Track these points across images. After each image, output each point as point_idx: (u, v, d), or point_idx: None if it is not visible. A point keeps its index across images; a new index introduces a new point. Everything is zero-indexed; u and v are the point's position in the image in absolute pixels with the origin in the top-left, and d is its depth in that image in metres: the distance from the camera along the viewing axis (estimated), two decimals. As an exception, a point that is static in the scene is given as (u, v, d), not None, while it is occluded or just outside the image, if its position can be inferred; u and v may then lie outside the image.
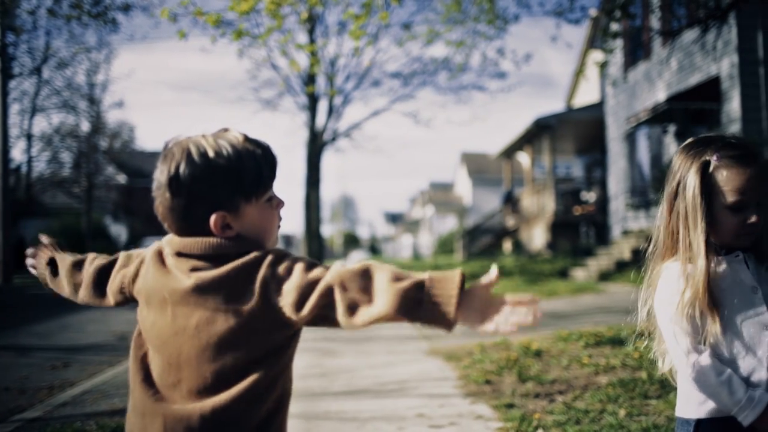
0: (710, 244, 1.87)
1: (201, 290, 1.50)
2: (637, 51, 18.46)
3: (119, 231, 40.91)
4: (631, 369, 5.41)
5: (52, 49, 25.13)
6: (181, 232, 1.55)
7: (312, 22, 17.86)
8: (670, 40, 15.29)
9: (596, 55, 20.92)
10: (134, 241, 36.68)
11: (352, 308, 1.41)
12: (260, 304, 1.46)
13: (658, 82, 17.05)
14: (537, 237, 24.83)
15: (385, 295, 1.40)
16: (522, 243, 26.70)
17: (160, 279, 1.57)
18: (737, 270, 1.89)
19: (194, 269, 1.52)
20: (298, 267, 1.47)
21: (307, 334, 7.48)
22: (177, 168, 1.51)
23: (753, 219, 1.86)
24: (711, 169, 1.87)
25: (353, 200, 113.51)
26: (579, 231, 23.16)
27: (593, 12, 14.82)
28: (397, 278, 1.44)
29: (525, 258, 23.40)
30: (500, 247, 29.21)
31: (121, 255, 1.78)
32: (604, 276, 15.00)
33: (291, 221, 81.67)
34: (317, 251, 21.75)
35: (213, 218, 1.50)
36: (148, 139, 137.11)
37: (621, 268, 14.86)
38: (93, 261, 1.83)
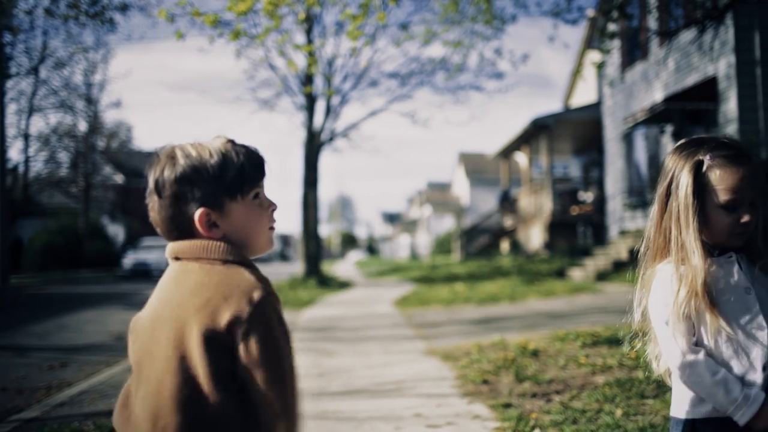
0: (703, 243, 1.88)
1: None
2: (634, 51, 18.49)
3: (116, 231, 40.87)
4: (628, 369, 5.42)
5: (50, 48, 25.12)
6: (173, 236, 1.57)
7: (309, 22, 17.85)
8: (667, 40, 15.32)
9: (593, 56, 20.96)
10: (132, 241, 36.66)
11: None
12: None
13: (656, 83, 17.07)
14: (534, 237, 24.85)
15: None
16: (519, 243, 26.73)
17: None
18: (730, 271, 1.90)
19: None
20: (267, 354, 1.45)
21: (305, 335, 7.51)
22: (162, 171, 1.55)
23: (746, 218, 1.87)
24: (704, 168, 1.88)
25: (351, 200, 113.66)
26: (576, 231, 23.19)
27: (590, 12, 14.85)
28: None
29: (522, 258, 23.43)
30: (498, 247, 29.24)
31: None
32: (602, 276, 15.01)
33: (288, 221, 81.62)
34: (315, 251, 21.74)
35: (197, 215, 1.53)
36: (145, 139, 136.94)
37: (618, 268, 14.88)
38: None
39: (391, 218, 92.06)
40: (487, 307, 11.89)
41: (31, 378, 6.81)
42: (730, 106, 13.80)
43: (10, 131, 27.47)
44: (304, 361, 7.07)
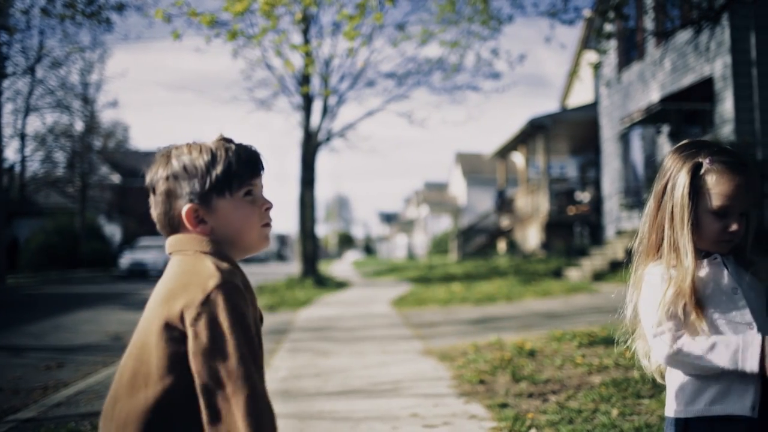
0: (694, 246, 1.90)
1: None
2: (630, 51, 18.51)
3: (113, 231, 40.83)
4: (624, 369, 5.43)
5: (46, 48, 25.04)
6: (167, 232, 1.63)
7: (306, 22, 17.85)
8: (663, 40, 15.35)
9: (590, 56, 21.00)
10: (128, 241, 36.63)
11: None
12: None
13: (652, 83, 17.09)
14: (531, 237, 24.87)
15: None
16: (516, 243, 26.75)
17: None
18: (718, 272, 1.92)
19: None
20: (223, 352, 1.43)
21: (302, 335, 7.51)
22: (157, 170, 1.61)
23: (734, 227, 1.88)
24: (702, 171, 1.89)
25: (348, 200, 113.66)
26: (573, 231, 23.21)
27: (587, 13, 14.85)
28: None
29: (519, 258, 23.45)
30: (495, 247, 29.27)
31: None
32: (598, 276, 15.03)
33: (286, 221, 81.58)
34: (312, 251, 21.74)
35: (185, 210, 1.57)
36: (142, 139, 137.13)
37: (615, 268, 14.90)
38: None
39: (388, 218, 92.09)
40: (483, 307, 11.90)
41: (28, 378, 6.80)
42: (726, 106, 13.82)
43: (7, 131, 27.43)
44: (300, 361, 7.08)
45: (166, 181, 1.59)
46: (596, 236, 22.04)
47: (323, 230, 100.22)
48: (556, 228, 23.34)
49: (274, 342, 8.57)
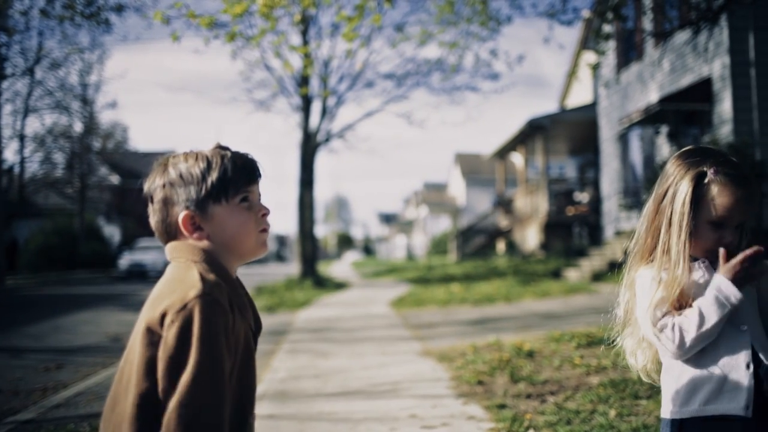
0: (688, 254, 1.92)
1: None
2: (629, 52, 18.52)
3: (112, 232, 40.83)
4: (622, 369, 5.44)
5: (45, 49, 25.03)
6: (165, 239, 1.65)
7: (305, 23, 17.85)
8: (662, 41, 15.35)
9: (589, 56, 21.01)
10: (127, 242, 36.63)
11: None
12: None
13: (651, 84, 17.11)
14: (530, 237, 24.89)
15: None
16: (515, 243, 26.77)
17: None
18: (707, 275, 1.94)
19: None
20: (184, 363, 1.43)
21: (301, 335, 7.52)
22: (155, 179, 1.64)
23: (727, 239, 1.91)
24: (705, 181, 1.90)
25: (347, 200, 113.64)
26: (572, 231, 23.23)
27: (586, 13, 14.87)
28: None
29: (518, 258, 23.47)
30: (494, 247, 29.28)
31: None
32: (597, 276, 15.04)
33: (285, 222, 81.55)
34: (311, 252, 21.74)
35: (181, 217, 1.59)
36: (141, 140, 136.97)
37: (614, 268, 14.78)
38: None
39: (388, 219, 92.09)
40: (482, 307, 11.91)
41: (27, 379, 6.82)
42: (724, 106, 13.84)
43: (6, 132, 27.43)
44: (299, 362, 7.10)
45: (163, 189, 1.61)
46: (595, 237, 22.05)
47: (322, 231, 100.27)
48: (555, 228, 23.35)
49: (274, 343, 8.59)
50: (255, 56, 19.15)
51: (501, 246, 28.64)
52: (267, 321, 11.16)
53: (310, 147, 21.01)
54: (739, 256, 1.86)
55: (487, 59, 18.18)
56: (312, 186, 21.40)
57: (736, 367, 1.86)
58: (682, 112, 15.40)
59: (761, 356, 1.87)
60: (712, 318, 1.84)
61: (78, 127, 33.65)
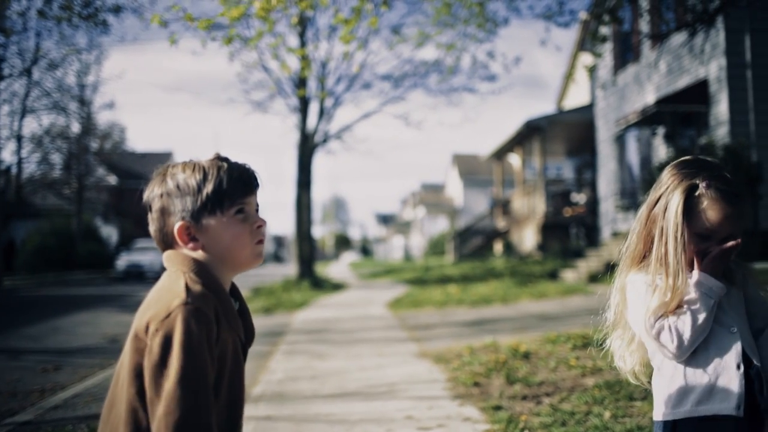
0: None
1: None
2: (626, 54, 18.57)
3: (110, 232, 40.81)
4: (617, 371, 5.46)
5: (43, 50, 24.98)
6: (162, 247, 1.68)
7: (303, 24, 17.88)
8: (658, 43, 15.41)
9: (586, 58, 21.03)
10: (125, 243, 36.61)
11: None
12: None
13: (647, 85, 17.16)
14: (527, 238, 24.93)
15: None
16: (512, 244, 26.80)
17: None
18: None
19: None
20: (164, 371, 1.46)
21: (298, 337, 7.53)
22: (154, 188, 1.67)
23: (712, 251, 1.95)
24: (697, 193, 1.93)
25: (345, 201, 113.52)
26: (569, 232, 23.26)
27: (583, 15, 14.91)
28: None
29: (515, 259, 23.50)
30: (491, 248, 29.31)
31: None
32: (594, 278, 15.06)
33: (282, 222, 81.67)
34: (308, 253, 21.76)
35: (176, 228, 1.62)
36: (138, 140, 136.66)
37: (610, 269, 14.88)
38: None
39: (385, 219, 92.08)
40: (479, 308, 11.94)
41: (25, 381, 6.83)
42: (721, 108, 13.89)
43: (3, 133, 27.39)
44: (297, 364, 7.12)
45: (161, 199, 1.64)
46: (592, 238, 22.09)
47: (320, 231, 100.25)
48: (553, 229, 23.39)
49: (271, 344, 8.61)
50: (253, 57, 19.18)
51: (498, 247, 28.67)
52: (264, 322, 11.20)
53: (307, 148, 21.03)
54: (715, 251, 1.92)
55: (484, 61, 18.21)
56: (309, 187, 21.41)
57: (727, 368, 1.90)
58: (679, 114, 15.44)
59: (751, 357, 1.91)
60: (702, 312, 1.90)
61: (75, 127, 33.62)
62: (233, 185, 1.64)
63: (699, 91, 14.52)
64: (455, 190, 53.16)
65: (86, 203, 36.39)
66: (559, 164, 32.30)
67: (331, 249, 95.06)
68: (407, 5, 18.73)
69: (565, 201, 24.68)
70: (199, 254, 1.62)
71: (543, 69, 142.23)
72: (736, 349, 1.91)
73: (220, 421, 1.52)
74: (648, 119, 15.94)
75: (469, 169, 49.70)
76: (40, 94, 28.78)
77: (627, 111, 18.08)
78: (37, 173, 33.55)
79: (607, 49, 18.19)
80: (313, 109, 21.25)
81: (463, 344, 7.55)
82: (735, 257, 1.99)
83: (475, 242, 30.30)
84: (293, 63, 18.48)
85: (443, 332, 9.25)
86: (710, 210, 1.92)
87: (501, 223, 29.15)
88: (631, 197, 18.34)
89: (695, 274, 1.94)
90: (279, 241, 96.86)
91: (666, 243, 1.95)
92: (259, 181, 1.70)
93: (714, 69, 14.07)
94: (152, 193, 1.66)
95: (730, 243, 1.91)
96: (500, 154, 28.96)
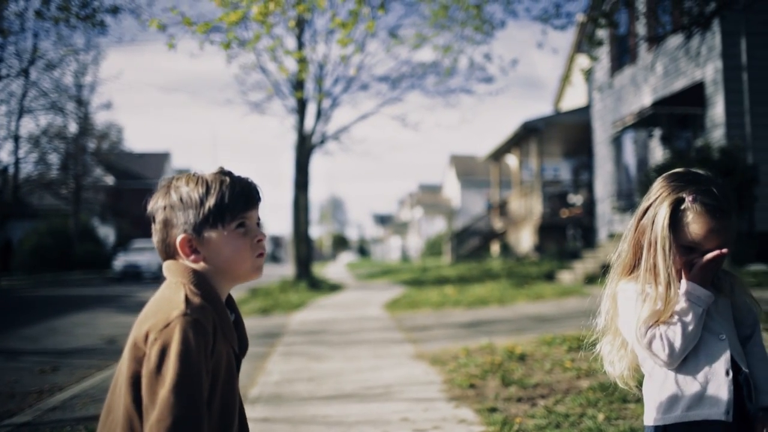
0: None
1: None
2: (623, 56, 18.63)
3: (107, 232, 40.79)
4: (612, 373, 5.50)
5: (40, 50, 25.00)
6: (163, 257, 1.72)
7: (300, 26, 17.90)
8: (655, 45, 15.46)
9: (583, 60, 21.10)
10: (122, 243, 36.60)
11: None
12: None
13: (644, 87, 17.21)
14: (524, 239, 24.97)
15: None
16: (510, 245, 26.84)
17: None
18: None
19: None
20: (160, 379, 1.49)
21: (296, 338, 7.56)
22: (157, 200, 1.71)
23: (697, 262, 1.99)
24: (682, 207, 1.97)
25: (342, 201, 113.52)
26: (566, 234, 23.31)
27: (579, 17, 14.96)
28: None
29: (512, 260, 23.53)
30: (488, 249, 29.35)
31: None
32: (590, 279, 15.06)
33: (280, 222, 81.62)
34: (305, 254, 21.78)
35: (179, 240, 1.66)
36: (136, 141, 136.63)
37: (607, 271, 14.91)
38: None
39: (383, 220, 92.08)
40: (476, 310, 11.98)
41: (23, 382, 6.85)
42: (717, 110, 13.95)
43: (1, 133, 27.46)
44: (294, 365, 7.15)
45: (164, 211, 1.68)
46: (589, 239, 22.14)
47: (317, 232, 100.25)
48: (549, 230, 23.44)
49: (268, 346, 8.64)
50: (250, 59, 19.17)
51: (495, 248, 28.72)
52: (261, 323, 11.23)
53: (305, 149, 21.06)
54: (701, 261, 1.97)
55: (481, 63, 18.24)
56: (307, 188, 21.44)
57: (717, 374, 1.95)
58: (675, 116, 15.50)
59: (739, 364, 1.95)
60: (692, 321, 1.94)
61: (73, 127, 33.68)
62: (235, 199, 1.67)
63: (695, 94, 14.57)
64: (452, 190, 53.21)
65: (83, 203, 36.39)
66: (556, 165, 32.33)
67: (329, 249, 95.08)
68: (404, 6, 18.77)
69: (562, 202, 24.74)
70: (198, 266, 1.66)
71: (540, 70, 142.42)
72: (725, 355, 1.95)
73: (211, 431, 1.55)
74: (644, 121, 15.99)
75: (467, 169, 49.75)
76: (38, 95, 28.81)
77: (624, 113, 18.13)
78: (34, 173, 33.54)
79: (604, 51, 18.26)
80: (311, 110, 21.30)
81: (460, 346, 7.59)
82: (723, 266, 2.03)
83: (472, 243, 30.34)
84: (291, 65, 18.53)
85: (440, 334, 9.29)
86: (694, 224, 1.96)
87: (498, 224, 29.19)
88: (627, 199, 18.39)
89: (683, 283, 1.98)
90: (276, 241, 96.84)
91: (655, 255, 1.99)
92: (260, 195, 1.74)
93: (710, 71, 14.13)
94: (156, 205, 1.70)
95: (716, 252, 1.95)
96: (497, 155, 29.01)
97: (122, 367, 1.57)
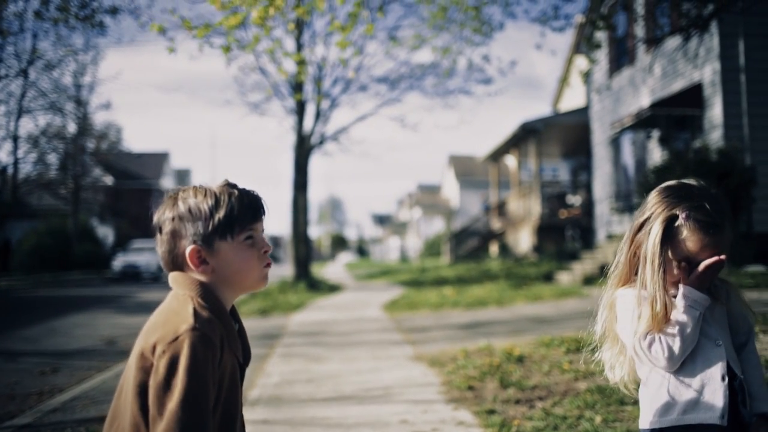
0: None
1: None
2: (621, 57, 18.66)
3: (106, 233, 40.79)
4: (610, 375, 5.52)
5: (39, 51, 25.01)
6: (170, 268, 1.74)
7: (299, 28, 17.92)
8: (653, 47, 15.50)
9: (581, 61, 21.13)
10: (121, 243, 36.61)
11: None
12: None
13: (642, 88, 17.25)
14: (523, 240, 25.00)
15: None
16: (508, 246, 26.88)
17: None
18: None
19: None
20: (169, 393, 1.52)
21: (294, 339, 7.58)
22: (165, 211, 1.73)
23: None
24: (676, 223, 2.01)
25: (341, 202, 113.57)
26: (564, 234, 23.35)
27: (578, 18, 15.00)
28: None
29: (511, 261, 23.55)
30: (487, 249, 29.38)
31: None
32: (589, 280, 15.11)
33: (279, 223, 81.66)
34: (304, 255, 21.80)
35: (188, 251, 1.68)
36: (135, 141, 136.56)
37: (605, 272, 14.94)
38: None
39: (381, 220, 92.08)
40: (474, 311, 12.00)
41: (23, 383, 6.87)
42: (715, 112, 13.98)
43: (0, 133, 27.44)
44: (293, 367, 7.17)
45: (172, 222, 1.70)
46: (587, 240, 22.18)
47: (316, 232, 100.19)
48: (548, 231, 23.47)
49: (267, 347, 8.66)
50: (250, 60, 19.19)
51: (494, 248, 28.75)
52: (261, 324, 11.25)
53: (304, 150, 21.08)
54: (700, 267, 2.00)
55: (479, 64, 18.27)
56: (306, 189, 21.46)
57: (713, 379, 1.98)
58: (674, 117, 15.54)
59: (735, 370, 1.99)
60: (689, 324, 1.98)
61: (72, 128, 33.68)
62: (243, 212, 1.71)
63: (693, 95, 14.61)
64: (451, 191, 53.24)
65: (82, 203, 36.40)
66: (555, 166, 32.38)
67: (328, 249, 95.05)
68: (403, 8, 18.81)
69: (560, 203, 24.78)
70: (205, 277, 1.68)
71: (539, 71, 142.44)
72: (722, 361, 1.99)
73: None
74: (643, 122, 16.03)
75: (466, 170, 49.78)
76: (37, 95, 28.81)
77: (622, 114, 18.17)
78: (33, 173, 33.55)
79: (603, 53, 18.28)
80: (310, 111, 21.31)
81: (458, 347, 7.61)
82: (720, 273, 2.06)
83: (471, 243, 30.37)
84: (290, 66, 18.55)
85: (438, 335, 9.31)
86: (689, 241, 1.99)
87: (497, 225, 29.23)
88: (626, 200, 18.42)
89: (681, 287, 2.01)
90: (275, 241, 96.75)
91: (647, 267, 2.03)
92: (266, 208, 1.77)
93: (708, 73, 14.17)
94: (163, 216, 1.72)
95: (715, 258, 1.98)
96: (496, 155, 29.04)
97: (128, 375, 1.60)
